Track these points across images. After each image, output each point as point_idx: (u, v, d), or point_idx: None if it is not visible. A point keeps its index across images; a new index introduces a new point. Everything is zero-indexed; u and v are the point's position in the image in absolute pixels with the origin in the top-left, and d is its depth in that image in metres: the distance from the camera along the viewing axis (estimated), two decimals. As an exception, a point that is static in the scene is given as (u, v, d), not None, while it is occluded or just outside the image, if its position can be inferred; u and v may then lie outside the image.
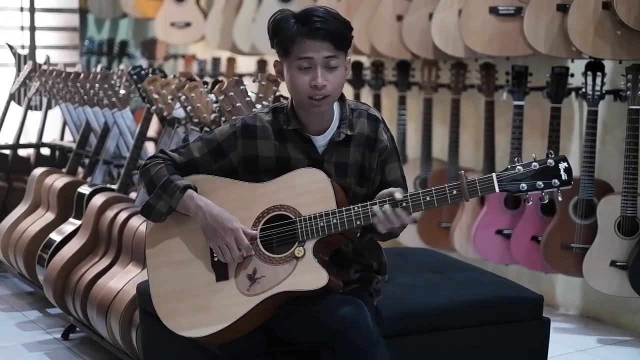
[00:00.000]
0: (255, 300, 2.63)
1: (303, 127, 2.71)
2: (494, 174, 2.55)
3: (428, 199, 2.57)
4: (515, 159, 2.57)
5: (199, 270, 2.71)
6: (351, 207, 2.61)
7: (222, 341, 2.71)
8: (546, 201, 2.59)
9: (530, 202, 2.59)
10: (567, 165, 2.54)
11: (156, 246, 2.79)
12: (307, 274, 2.61)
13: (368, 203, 2.61)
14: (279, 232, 2.66)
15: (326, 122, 2.72)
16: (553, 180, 2.53)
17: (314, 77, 2.60)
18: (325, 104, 2.65)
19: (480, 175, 4.78)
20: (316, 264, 2.62)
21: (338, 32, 2.61)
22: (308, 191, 2.66)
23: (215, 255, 2.69)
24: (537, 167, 2.54)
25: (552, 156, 2.55)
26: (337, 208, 2.62)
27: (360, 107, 2.78)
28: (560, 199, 2.60)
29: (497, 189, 2.55)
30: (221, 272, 2.69)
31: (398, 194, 2.58)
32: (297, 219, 2.64)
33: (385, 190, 2.62)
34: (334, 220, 2.61)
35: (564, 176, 2.53)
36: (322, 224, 2.61)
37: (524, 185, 2.54)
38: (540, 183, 2.53)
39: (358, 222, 2.61)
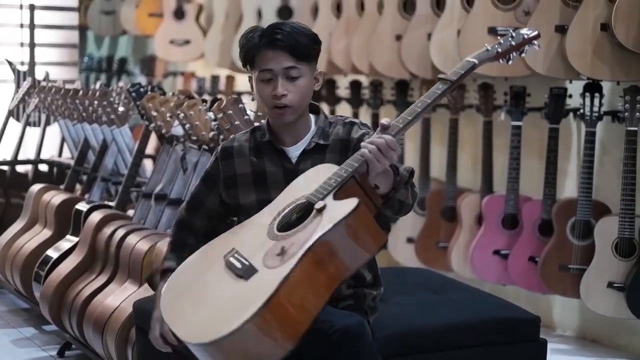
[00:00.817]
0: (290, 264, 2.33)
1: (278, 140, 2.76)
2: (466, 59, 2.64)
3: (419, 104, 2.63)
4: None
5: (225, 287, 2.44)
6: (352, 156, 2.51)
7: (287, 336, 2.31)
8: (525, 53, 2.66)
9: (511, 62, 2.66)
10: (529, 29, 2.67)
11: (173, 315, 2.51)
12: (336, 210, 2.42)
13: (367, 140, 2.50)
14: (294, 214, 2.52)
15: (300, 134, 2.75)
16: (521, 37, 2.67)
17: (274, 88, 2.66)
18: (288, 113, 2.69)
19: (478, 196, 4.81)
20: (340, 201, 2.45)
21: (298, 44, 2.65)
22: (312, 181, 2.56)
23: (237, 265, 2.44)
24: (503, 41, 2.66)
25: (512, 30, 2.70)
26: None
27: (338, 118, 2.82)
28: (537, 46, 2.65)
29: (475, 61, 2.64)
30: (248, 270, 2.41)
31: (384, 121, 2.56)
32: (308, 196, 2.51)
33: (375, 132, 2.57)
34: (341, 172, 2.50)
35: (528, 32, 2.66)
36: (331, 181, 2.50)
37: (497, 48, 2.67)
38: (511, 41, 2.67)
39: (362, 158, 2.47)
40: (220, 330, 2.28)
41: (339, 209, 2.43)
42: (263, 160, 2.76)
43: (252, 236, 2.55)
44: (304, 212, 2.51)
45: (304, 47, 2.66)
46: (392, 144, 2.51)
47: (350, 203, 2.43)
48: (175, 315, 2.50)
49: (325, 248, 2.38)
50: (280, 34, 2.64)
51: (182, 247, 2.85)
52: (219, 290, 2.45)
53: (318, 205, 2.45)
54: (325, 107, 5.98)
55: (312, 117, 2.78)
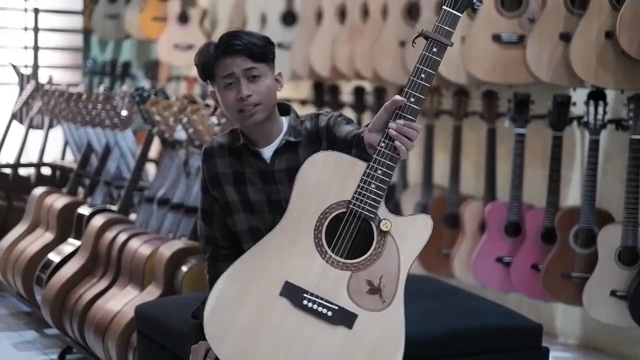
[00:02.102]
0: (399, 299, 2.35)
1: (252, 142, 2.76)
2: (443, 6, 2.50)
3: (424, 75, 2.47)
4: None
5: (326, 341, 2.33)
6: (377, 150, 2.39)
7: None
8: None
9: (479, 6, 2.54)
10: None
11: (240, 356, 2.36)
12: (409, 233, 2.40)
13: (385, 130, 2.41)
14: (350, 235, 2.40)
15: (272, 135, 2.75)
16: None
17: (239, 91, 2.67)
18: (258, 112, 2.68)
19: (481, 204, 4.80)
20: (407, 218, 2.42)
21: (253, 45, 2.67)
22: (329, 178, 2.45)
23: (323, 312, 2.33)
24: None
25: None
26: (367, 163, 2.41)
27: (309, 115, 2.82)
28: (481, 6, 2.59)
29: (458, 14, 2.49)
30: (346, 317, 2.33)
31: (397, 97, 2.46)
32: (350, 207, 2.39)
33: (386, 105, 2.47)
34: (379, 172, 2.40)
35: None
36: (373, 185, 2.40)
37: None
38: None
39: (396, 154, 2.40)
40: None
41: (412, 234, 2.39)
42: (242, 161, 2.77)
43: (302, 262, 2.38)
44: (358, 226, 2.39)
45: (260, 47, 2.69)
46: (418, 129, 2.42)
47: (426, 225, 2.41)
48: None
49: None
50: (235, 39, 2.68)
51: (218, 263, 2.79)
52: (321, 344, 2.32)
53: (384, 226, 2.38)
54: (328, 113, 5.97)
55: (283, 118, 2.79)
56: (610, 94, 4.38)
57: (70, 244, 4.45)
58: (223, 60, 2.69)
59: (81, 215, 4.43)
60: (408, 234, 2.41)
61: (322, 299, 2.35)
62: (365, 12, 5.64)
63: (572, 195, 4.76)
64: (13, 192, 5.89)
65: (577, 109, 4.49)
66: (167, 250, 3.70)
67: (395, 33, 5.33)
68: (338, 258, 2.38)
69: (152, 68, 8.01)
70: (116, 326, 3.63)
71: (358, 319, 2.34)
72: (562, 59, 4.31)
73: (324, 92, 6.04)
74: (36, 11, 7.80)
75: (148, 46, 8.44)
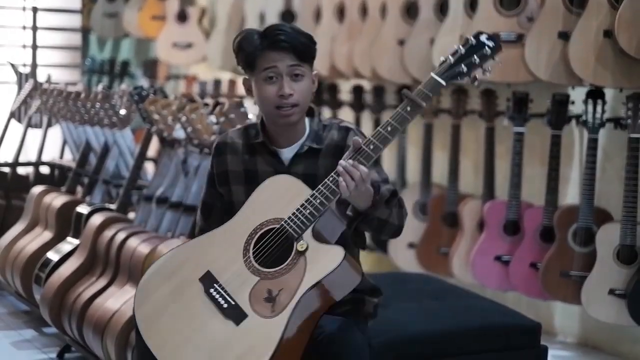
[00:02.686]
0: (286, 314, 2.47)
1: (271, 141, 2.76)
2: (431, 73, 2.59)
3: (390, 128, 2.56)
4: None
5: (214, 329, 2.51)
6: (323, 181, 2.55)
7: None
8: (489, 73, 2.61)
9: (477, 83, 2.61)
10: (487, 35, 2.60)
11: (159, 339, 2.57)
12: (322, 259, 2.51)
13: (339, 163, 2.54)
14: (272, 244, 2.58)
15: (295, 136, 2.75)
16: (484, 49, 2.59)
17: (281, 87, 2.66)
18: (295, 113, 2.69)
19: (480, 202, 4.81)
20: (325, 246, 2.54)
21: (300, 44, 2.66)
22: (279, 197, 2.62)
23: (222, 303, 2.52)
24: (464, 49, 2.60)
25: (471, 36, 2.61)
26: (311, 191, 2.57)
27: (333, 121, 2.82)
28: (498, 61, 2.61)
29: (442, 82, 2.58)
30: (237, 314, 2.51)
31: (355, 143, 2.56)
32: (282, 223, 2.57)
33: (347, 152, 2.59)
34: (317, 201, 2.55)
35: (490, 43, 2.59)
36: (307, 210, 2.56)
37: (463, 67, 2.59)
38: (475, 58, 2.59)
39: (337, 189, 2.53)
40: None
41: (323, 260, 2.50)
42: (255, 159, 2.77)
43: (227, 259, 2.58)
44: (281, 242, 2.55)
45: (306, 47, 2.68)
46: (365, 177, 2.53)
47: (335, 256, 2.50)
48: (160, 343, 2.56)
49: (312, 296, 2.49)
50: (283, 35, 2.65)
51: None
52: (209, 329, 2.51)
53: (300, 246, 2.53)
54: (327, 112, 5.98)
55: (306, 120, 2.78)
56: (609, 93, 4.38)
57: (69, 243, 4.45)
58: (268, 54, 2.66)
59: (80, 214, 4.43)
60: (319, 259, 2.52)
61: (226, 292, 2.54)
62: (364, 11, 5.64)
63: (570, 194, 4.76)
64: (12, 191, 5.89)
65: (576, 108, 4.49)
66: (166, 249, 3.69)
67: (394, 32, 5.33)
68: (254, 263, 2.56)
69: (150, 67, 8.01)
70: (115, 325, 3.63)
71: (247, 319, 2.50)
72: (560, 58, 4.31)
73: (323, 90, 6.04)
74: (35, 10, 7.79)
75: (147, 45, 8.43)
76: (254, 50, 2.68)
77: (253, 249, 2.59)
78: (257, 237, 2.60)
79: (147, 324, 2.60)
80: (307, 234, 2.55)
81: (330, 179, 2.55)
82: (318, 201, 2.55)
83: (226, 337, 2.50)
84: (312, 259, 2.52)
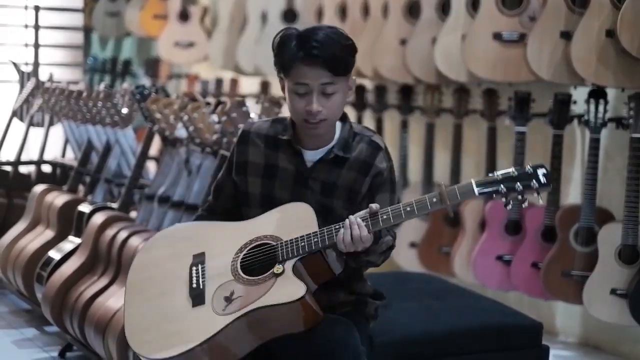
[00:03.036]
0: (229, 319, 2.53)
1: (298, 140, 2.73)
2: (472, 179, 2.54)
3: (409, 209, 2.53)
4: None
5: (176, 299, 2.64)
6: (332, 226, 2.57)
7: None
8: (525, 204, 2.54)
9: (509, 206, 2.56)
10: (545, 171, 2.53)
11: (135, 283, 2.74)
12: (284, 288, 2.54)
13: (348, 219, 2.56)
14: (259, 256, 2.62)
15: (323, 140, 2.72)
16: (532, 182, 2.51)
17: (309, 103, 2.61)
18: (322, 127, 2.66)
19: (481, 202, 4.80)
20: (295, 279, 2.55)
21: (336, 59, 2.58)
22: (290, 221, 2.65)
23: (194, 283, 2.64)
24: (516, 172, 2.53)
25: (530, 164, 2.55)
26: (317, 229, 2.60)
27: (365, 132, 2.77)
28: (541, 201, 2.58)
29: (476, 192, 2.51)
30: (198, 297, 2.61)
31: (374, 206, 2.55)
32: (277, 243, 2.61)
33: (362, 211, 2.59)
34: (315, 239, 2.56)
35: (542, 179, 2.51)
36: (302, 243, 2.57)
37: (502, 188, 2.52)
38: (518, 185, 2.51)
39: (335, 238, 2.55)
40: (167, 354, 2.54)
41: (285, 290, 2.53)
42: (278, 155, 2.74)
43: (222, 251, 2.67)
44: (267, 258, 2.60)
45: (342, 62, 2.60)
46: (365, 240, 2.54)
47: (296, 292, 2.52)
48: (135, 285, 2.73)
49: (259, 317, 2.54)
50: (318, 49, 2.56)
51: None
52: (171, 297, 2.64)
53: (277, 269, 2.56)
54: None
55: (338, 124, 2.74)
56: (610, 93, 4.38)
57: (71, 242, 4.45)
58: (301, 67, 2.59)
59: (81, 213, 4.43)
60: (284, 288, 2.54)
61: (203, 275, 2.64)
62: (365, 10, 5.64)
63: (572, 194, 4.76)
64: (13, 190, 5.89)
65: (578, 107, 4.49)
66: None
67: (395, 31, 5.33)
68: (237, 265, 2.63)
69: (152, 66, 8.01)
70: (116, 324, 3.63)
71: (202, 306, 2.59)
72: (562, 57, 4.31)
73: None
74: (37, 8, 7.79)
75: (149, 44, 8.44)
76: (289, 60, 2.60)
77: (245, 252, 2.64)
78: (254, 245, 2.64)
79: (138, 268, 2.76)
80: (290, 263, 2.57)
81: (337, 225, 2.56)
82: (315, 239, 2.56)
83: (178, 311, 2.61)
84: (278, 285, 2.55)
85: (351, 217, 2.54)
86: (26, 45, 7.92)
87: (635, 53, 4.02)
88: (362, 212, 2.56)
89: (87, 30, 8.57)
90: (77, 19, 8.47)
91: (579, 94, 4.50)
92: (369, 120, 5.73)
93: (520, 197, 2.52)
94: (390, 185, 2.75)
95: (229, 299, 2.56)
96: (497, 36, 4.63)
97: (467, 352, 3.04)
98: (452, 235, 5.03)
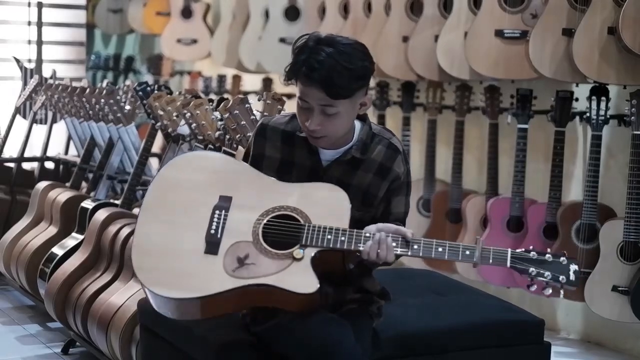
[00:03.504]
0: (237, 283, 2.53)
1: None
2: (509, 250, 2.58)
3: (440, 250, 2.56)
4: (531, 248, 2.62)
5: (190, 236, 2.62)
6: (363, 230, 2.58)
7: (189, 315, 2.65)
8: (549, 293, 2.59)
9: (534, 288, 2.61)
10: (576, 268, 2.58)
11: (154, 202, 2.70)
12: (298, 276, 2.54)
13: (383, 232, 2.57)
14: (284, 229, 2.59)
15: (339, 143, 2.71)
16: (561, 276, 2.57)
17: (308, 118, 2.61)
18: (323, 142, 2.66)
19: (483, 199, 4.81)
20: (311, 270, 2.55)
21: (332, 84, 2.54)
22: (325, 205, 2.62)
23: (213, 228, 2.61)
24: (550, 259, 2.58)
25: (566, 255, 2.60)
26: (348, 227, 2.59)
27: (384, 134, 2.76)
28: (562, 295, 2.61)
29: (508, 264, 2.57)
30: (212, 245, 2.60)
31: (409, 234, 2.58)
32: (306, 224, 2.59)
33: (393, 226, 2.61)
34: (342, 237, 2.56)
35: (571, 276, 2.57)
36: (329, 236, 2.56)
37: (533, 270, 2.57)
38: (548, 274, 2.56)
39: (360, 245, 2.57)
40: (169, 293, 2.56)
41: (299, 279, 2.54)
42: (294, 151, 2.74)
43: (249, 204, 2.64)
44: (290, 235, 2.58)
45: (341, 88, 2.56)
46: (389, 260, 2.58)
47: (309, 286, 2.53)
48: (153, 206, 2.69)
49: (263, 290, 2.55)
50: (316, 72, 2.54)
51: None
52: (188, 233, 2.62)
53: (297, 253, 2.56)
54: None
55: (357, 124, 2.73)
56: (612, 90, 4.39)
57: (74, 238, 4.46)
58: (303, 82, 2.58)
59: (84, 209, 4.44)
60: (298, 276, 2.55)
61: (224, 224, 2.62)
62: (368, 7, 5.64)
63: (574, 191, 4.76)
64: (17, 186, 5.90)
65: (580, 105, 4.49)
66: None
67: (398, 28, 5.33)
68: (259, 229, 2.61)
69: (155, 62, 8.02)
70: (119, 320, 3.64)
71: (214, 256, 2.58)
72: (564, 55, 4.31)
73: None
74: (39, 5, 7.80)
75: (151, 41, 8.45)
76: (294, 71, 2.60)
77: (270, 218, 2.61)
78: (282, 213, 2.62)
79: (159, 184, 2.72)
80: (310, 250, 2.56)
81: (367, 234, 2.57)
82: (342, 238, 2.56)
83: (189, 251, 2.60)
84: (292, 270, 2.55)
85: (383, 234, 2.56)
86: (29, 42, 7.93)
87: (638, 50, 4.02)
88: (391, 227, 2.59)
89: (89, 27, 8.58)
90: (80, 16, 8.48)
91: (581, 91, 4.50)
92: (371, 117, 5.69)
93: (545, 284, 2.58)
94: (406, 188, 2.78)
95: (241, 261, 2.56)
96: (499, 33, 4.64)
97: (469, 349, 3.04)
98: (454, 232, 5.04)
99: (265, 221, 2.61)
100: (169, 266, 2.60)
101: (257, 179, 2.69)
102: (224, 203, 2.64)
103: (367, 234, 2.57)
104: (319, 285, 2.52)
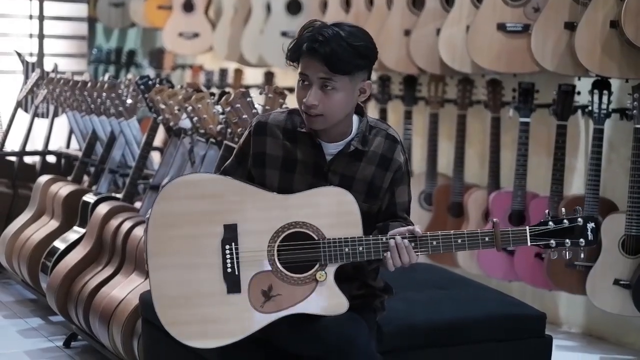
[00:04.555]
0: (269, 318, 2.56)
1: (317, 133, 2.71)
2: (527, 228, 2.62)
3: (460, 242, 2.59)
4: (546, 212, 2.66)
5: (209, 278, 2.59)
6: (379, 237, 2.59)
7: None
8: (569, 257, 2.65)
9: (555, 256, 2.65)
10: (594, 226, 2.63)
11: (160, 245, 2.63)
12: (327, 299, 2.58)
13: (397, 234, 2.59)
14: (299, 251, 2.59)
15: (341, 133, 2.71)
16: (580, 239, 2.62)
17: (307, 94, 2.61)
18: (318, 122, 2.64)
19: (485, 192, 4.81)
20: (337, 290, 2.59)
21: (334, 56, 2.57)
22: (332, 212, 2.61)
23: (228, 265, 2.60)
24: (567, 224, 2.62)
25: (581, 214, 2.64)
26: (364, 236, 2.60)
27: (380, 126, 2.77)
28: (582, 256, 2.64)
29: (528, 242, 2.61)
30: (233, 284, 2.58)
31: (417, 229, 2.61)
32: (321, 241, 2.59)
33: (402, 228, 2.63)
34: (360, 248, 2.58)
35: (590, 236, 2.63)
36: (347, 249, 2.58)
37: (552, 242, 2.62)
38: (567, 241, 2.62)
39: (385, 254, 2.59)
40: (205, 344, 2.62)
41: (328, 301, 2.58)
42: (296, 147, 2.72)
43: (257, 230, 2.60)
44: (308, 255, 2.59)
45: (341, 60, 2.58)
46: (413, 261, 2.61)
47: (339, 307, 2.58)
48: (158, 246, 2.63)
49: (295, 316, 2.58)
50: (319, 43, 2.57)
51: None
52: (204, 274, 2.59)
53: (320, 276, 2.58)
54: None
55: (355, 118, 2.74)
56: (615, 84, 4.38)
57: (75, 232, 4.47)
58: (305, 58, 2.61)
59: (86, 203, 4.44)
60: (326, 298, 2.58)
61: (237, 259, 2.59)
62: (370, 1, 5.64)
63: (576, 184, 4.76)
64: (18, 180, 5.91)
65: (582, 98, 4.49)
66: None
67: (400, 22, 5.32)
68: (275, 255, 2.59)
69: (157, 56, 8.01)
70: (121, 313, 3.65)
71: (238, 294, 2.58)
72: (567, 48, 4.31)
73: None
74: (41, -1, 7.81)
75: (153, 34, 8.44)
76: (296, 48, 2.62)
77: (282, 240, 2.60)
78: (292, 231, 2.60)
79: (157, 222, 2.64)
80: (331, 268, 2.59)
81: (384, 239, 2.59)
82: (360, 249, 2.58)
83: (212, 294, 2.58)
84: (319, 292, 2.58)
85: (398, 238, 2.58)
86: (31, 35, 7.93)
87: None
88: (402, 230, 2.61)
89: (91, 20, 8.57)
90: (82, 10, 8.48)
91: (583, 85, 4.50)
92: (373, 111, 5.73)
93: (566, 251, 2.64)
94: (407, 177, 2.79)
95: (267, 295, 2.58)
96: (501, 27, 4.63)
97: (471, 342, 3.05)
98: (456, 225, 5.04)
99: (277, 244, 2.60)
100: (198, 315, 2.59)
101: (256, 197, 2.64)
102: (231, 234, 2.60)
103: (384, 239, 2.58)
104: (348, 304, 2.58)
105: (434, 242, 2.59)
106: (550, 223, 2.62)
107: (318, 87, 2.60)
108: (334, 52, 2.57)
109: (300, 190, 2.66)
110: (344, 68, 2.59)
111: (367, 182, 2.71)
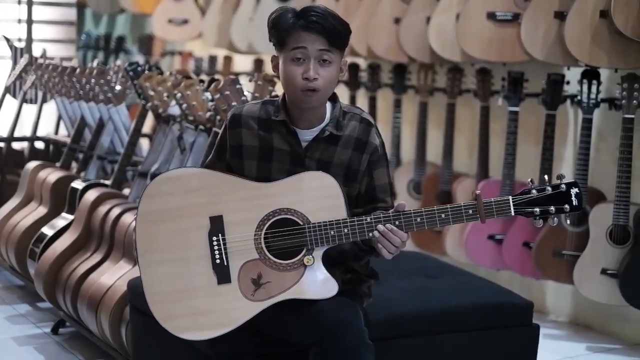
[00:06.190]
0: (261, 306, 2.58)
1: (292, 121, 2.73)
2: (510, 197, 2.60)
3: (443, 216, 2.59)
4: (529, 181, 2.64)
5: (198, 270, 2.62)
6: (363, 217, 2.60)
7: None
8: (555, 224, 2.63)
9: (540, 224, 2.63)
10: (577, 191, 2.62)
11: (149, 242, 2.65)
12: (317, 283, 2.60)
13: (381, 215, 2.60)
14: (286, 238, 2.61)
15: (316, 119, 2.73)
16: (564, 205, 2.60)
17: (307, 70, 2.62)
18: (315, 99, 2.66)
19: (474, 181, 4.82)
20: (326, 273, 2.61)
21: (333, 29, 2.63)
22: (316, 196, 2.63)
23: (217, 256, 2.63)
24: (550, 191, 2.60)
25: (564, 180, 2.63)
26: (347, 217, 2.61)
27: (354, 110, 2.79)
28: (569, 222, 2.64)
29: (512, 212, 2.59)
30: (223, 274, 2.61)
31: (402, 203, 2.62)
32: (307, 226, 2.61)
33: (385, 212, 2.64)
34: (345, 230, 2.59)
35: (574, 201, 2.61)
36: (332, 232, 2.59)
37: (536, 210, 2.60)
38: (552, 208, 2.60)
39: (370, 234, 2.60)
40: (199, 336, 2.63)
41: (317, 286, 2.60)
42: (272, 136, 2.73)
43: (242, 219, 2.62)
44: (294, 241, 2.60)
45: (339, 34, 2.64)
46: (405, 241, 2.62)
47: (330, 290, 2.60)
48: (147, 244, 2.65)
49: (286, 302, 2.60)
50: (317, 17, 2.61)
51: None
52: (193, 267, 2.62)
53: (307, 260, 2.60)
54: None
55: (329, 104, 2.76)
56: (604, 73, 4.39)
57: (64, 218, 4.46)
58: (300, 33, 2.62)
59: (74, 190, 4.43)
60: (316, 282, 2.61)
61: (225, 249, 2.62)
62: (360, -11, 5.62)
63: (564, 174, 4.75)
64: (6, 166, 5.89)
65: (571, 88, 4.49)
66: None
67: (390, 10, 5.31)
68: (262, 242, 2.62)
69: (146, 43, 7.99)
70: (109, 300, 3.64)
71: (228, 284, 2.61)
72: (556, 38, 4.31)
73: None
74: (30, -16, 7.77)
75: (142, 21, 8.41)
76: (287, 28, 2.63)
77: (267, 227, 2.62)
78: (277, 218, 2.62)
79: (144, 220, 2.66)
80: (319, 252, 2.61)
81: (368, 219, 2.59)
82: (345, 231, 2.59)
83: (203, 286, 2.61)
84: (308, 277, 2.60)
85: (380, 226, 2.59)
86: (19, 21, 7.89)
87: (629, 34, 4.02)
88: (387, 214, 2.61)
89: (80, 6, 8.54)
90: (71, -5, 8.44)
91: (572, 74, 4.50)
92: (362, 99, 5.73)
93: (552, 218, 2.62)
94: (385, 159, 2.80)
95: (257, 283, 2.60)
96: (491, 15, 4.63)
97: (459, 330, 3.05)
98: (444, 215, 5.04)
99: (264, 231, 2.62)
100: (190, 308, 2.61)
101: (239, 187, 2.66)
102: (217, 225, 2.63)
103: (368, 219, 2.59)
104: (338, 286, 2.59)
105: (418, 219, 2.60)
106: (534, 191, 2.60)
107: (316, 60, 2.63)
108: (334, 26, 2.63)
109: (279, 178, 2.68)
110: (342, 42, 2.66)
111: (344, 166, 2.73)
